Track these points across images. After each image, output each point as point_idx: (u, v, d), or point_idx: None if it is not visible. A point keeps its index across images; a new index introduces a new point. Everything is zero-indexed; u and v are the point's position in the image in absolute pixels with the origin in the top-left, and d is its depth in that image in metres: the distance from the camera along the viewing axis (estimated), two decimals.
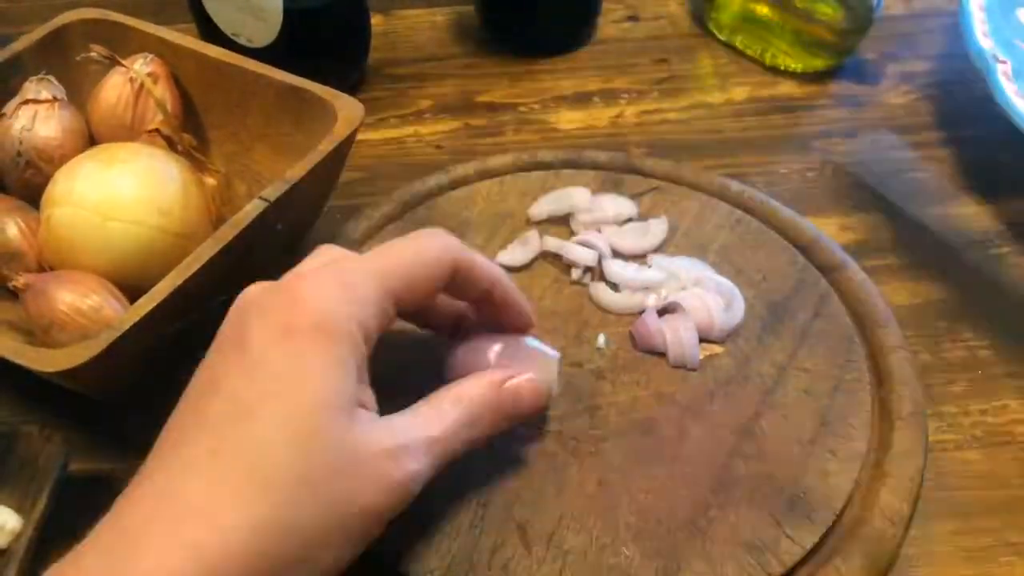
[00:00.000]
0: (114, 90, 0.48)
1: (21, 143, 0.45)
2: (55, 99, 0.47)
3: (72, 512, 0.40)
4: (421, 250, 0.33)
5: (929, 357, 0.46)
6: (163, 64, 0.49)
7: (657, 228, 0.48)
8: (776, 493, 0.38)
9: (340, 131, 0.44)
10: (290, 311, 0.30)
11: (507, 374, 0.35)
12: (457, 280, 0.34)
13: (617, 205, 0.49)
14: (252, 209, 0.41)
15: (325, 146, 0.43)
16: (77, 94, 0.49)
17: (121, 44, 0.49)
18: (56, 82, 0.47)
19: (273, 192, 0.41)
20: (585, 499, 0.38)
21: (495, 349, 0.37)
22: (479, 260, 0.35)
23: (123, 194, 0.42)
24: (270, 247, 0.45)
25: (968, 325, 0.48)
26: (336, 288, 0.30)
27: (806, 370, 0.42)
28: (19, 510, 0.38)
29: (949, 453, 0.42)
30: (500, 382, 0.35)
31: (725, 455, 0.39)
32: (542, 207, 0.50)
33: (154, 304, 0.37)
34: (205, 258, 0.39)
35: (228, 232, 0.40)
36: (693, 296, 0.44)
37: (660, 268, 0.46)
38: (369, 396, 0.31)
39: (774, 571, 0.35)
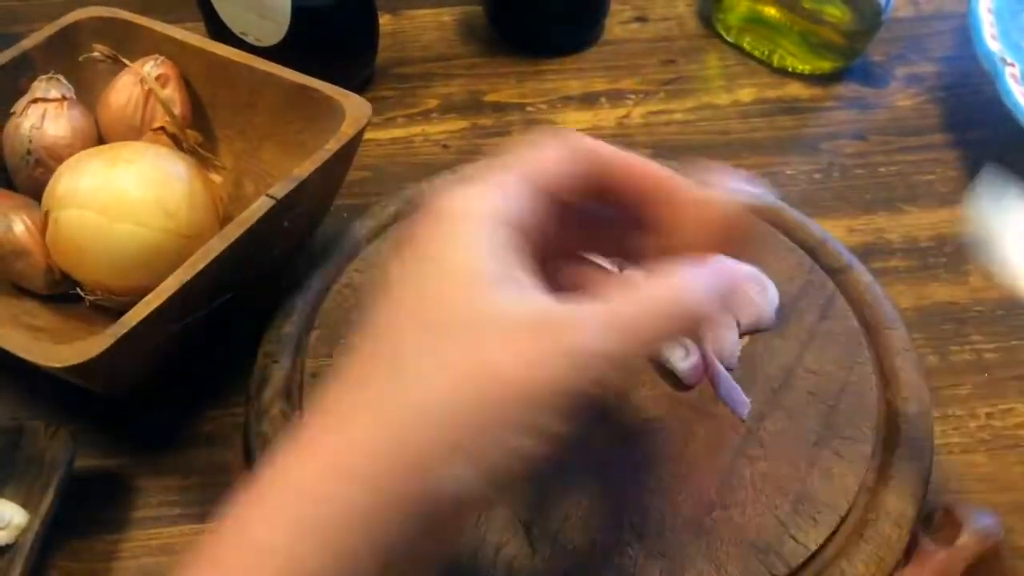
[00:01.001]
0: (124, 91, 0.48)
1: (31, 141, 0.45)
2: (64, 98, 0.47)
3: (78, 508, 0.40)
4: (550, 141, 0.29)
5: (936, 360, 0.46)
6: (173, 65, 0.49)
7: None
8: (781, 494, 0.38)
9: (348, 130, 0.44)
10: (422, 224, 0.27)
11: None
12: (599, 175, 0.29)
13: None
14: (259, 207, 0.41)
15: (333, 145, 0.44)
16: (87, 92, 0.49)
17: (130, 43, 0.50)
18: (65, 81, 0.47)
19: (280, 190, 0.41)
20: (590, 499, 0.38)
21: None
22: (624, 155, 0.29)
23: (129, 195, 0.41)
24: (278, 245, 0.45)
25: (975, 328, 0.47)
26: (465, 187, 0.27)
27: (812, 372, 0.42)
28: (25, 506, 0.38)
29: (955, 456, 0.42)
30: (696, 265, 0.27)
31: (730, 456, 0.39)
32: None
33: (161, 300, 0.37)
34: (212, 255, 0.39)
35: (235, 230, 0.40)
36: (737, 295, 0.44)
37: None
38: (535, 281, 0.27)
39: (779, 572, 0.35)
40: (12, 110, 0.46)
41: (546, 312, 0.25)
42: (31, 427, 0.40)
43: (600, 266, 0.32)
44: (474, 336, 0.24)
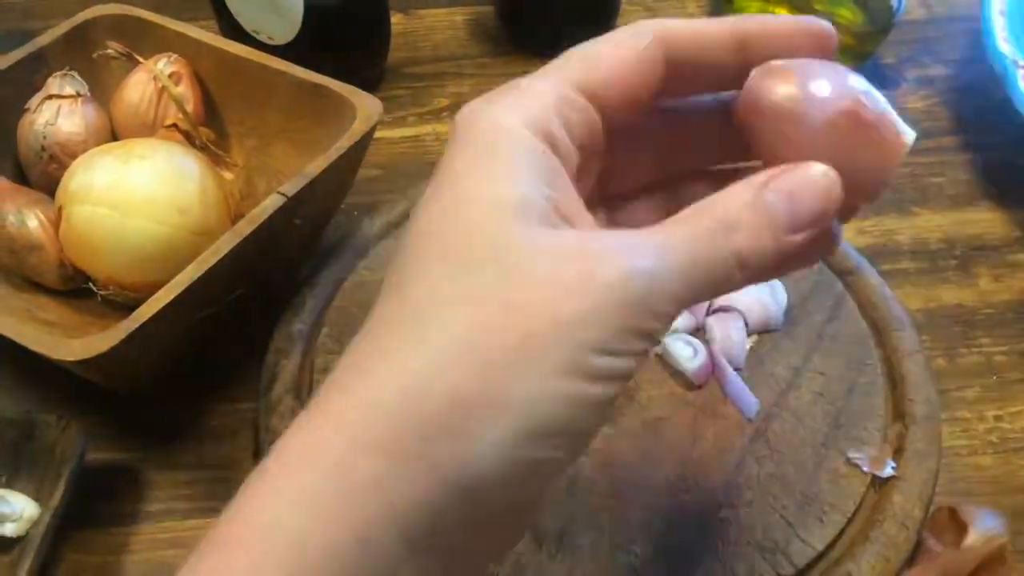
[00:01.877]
0: (137, 88, 0.48)
1: (45, 138, 0.46)
2: (78, 95, 0.47)
3: (89, 500, 0.40)
4: (608, 35, 0.25)
5: (944, 362, 0.46)
6: (186, 63, 0.49)
7: None
8: (788, 494, 0.38)
9: (359, 128, 0.44)
10: (449, 144, 0.24)
11: (772, 173, 0.23)
12: (683, 60, 0.25)
13: None
14: (270, 204, 0.41)
15: (344, 143, 0.44)
16: (101, 89, 0.50)
17: (144, 40, 0.50)
18: (79, 78, 0.48)
19: (291, 187, 0.42)
20: (597, 497, 0.38)
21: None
22: (710, 28, 0.25)
23: (142, 192, 0.42)
24: (289, 242, 0.45)
25: (984, 331, 0.47)
26: (493, 98, 0.24)
27: (820, 373, 0.42)
28: (37, 498, 0.38)
29: (963, 458, 0.42)
30: (762, 184, 0.23)
31: (738, 456, 0.39)
32: None
33: (172, 296, 0.38)
34: (223, 251, 0.39)
35: (246, 227, 0.40)
36: (745, 295, 0.44)
37: None
38: (576, 209, 0.24)
39: (785, 572, 0.35)
40: (26, 106, 0.47)
41: (581, 240, 0.22)
42: (43, 420, 0.40)
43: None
44: (502, 269, 0.21)
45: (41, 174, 0.46)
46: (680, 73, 0.25)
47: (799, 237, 0.23)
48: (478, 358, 0.20)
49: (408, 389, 0.20)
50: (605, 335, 0.21)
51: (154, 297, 0.38)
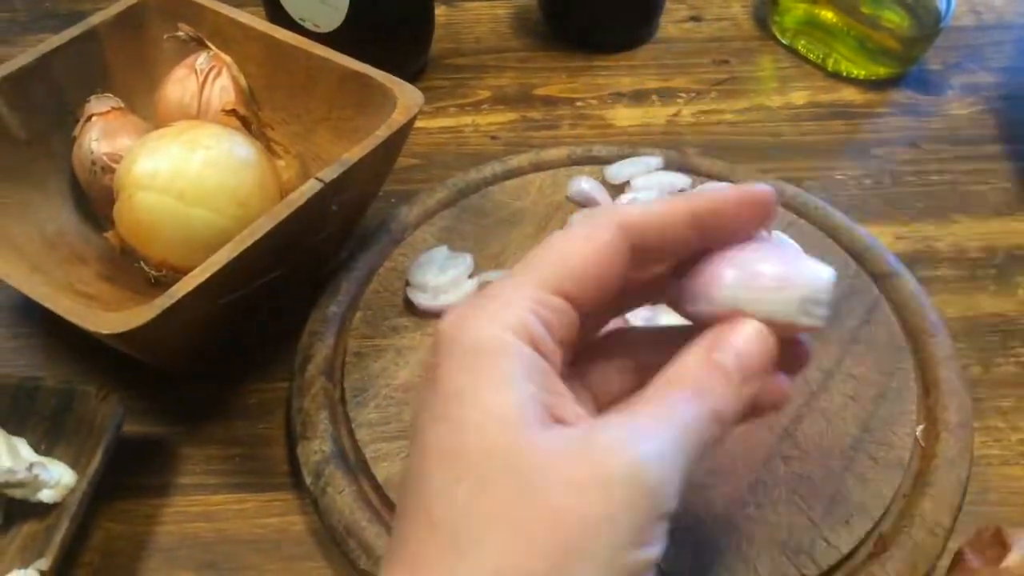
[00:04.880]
0: (179, 84, 0.49)
1: (93, 152, 0.47)
2: (114, 108, 0.48)
3: (124, 471, 0.41)
4: (568, 236, 0.27)
5: (979, 370, 0.45)
6: (223, 57, 0.50)
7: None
8: (815, 495, 0.38)
9: (399, 117, 0.45)
10: (440, 358, 0.25)
11: (715, 337, 0.26)
12: (646, 245, 0.27)
13: (674, 178, 0.52)
14: (308, 189, 0.42)
15: (383, 131, 0.44)
16: (150, 71, 0.51)
17: (193, 23, 0.51)
18: (114, 96, 0.49)
19: (329, 173, 0.42)
20: None
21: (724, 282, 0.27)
22: (665, 210, 0.27)
23: (206, 183, 0.42)
24: (326, 227, 0.46)
25: (1021, 341, 0.47)
26: (475, 307, 0.25)
27: (852, 376, 0.42)
28: (74, 466, 0.39)
29: (994, 468, 0.42)
30: (708, 348, 0.26)
31: (765, 455, 0.39)
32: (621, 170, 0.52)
33: (208, 275, 0.38)
34: (260, 233, 0.40)
35: (283, 210, 0.41)
36: None
37: None
38: (571, 408, 0.25)
39: (809, 573, 0.35)
40: (73, 135, 0.48)
41: (586, 436, 0.23)
42: (83, 391, 0.41)
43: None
44: (523, 483, 0.22)
45: (99, 189, 0.47)
46: (644, 254, 0.27)
47: (752, 387, 0.25)
48: None
49: None
50: (635, 530, 0.22)
51: (190, 275, 0.38)
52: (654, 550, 0.23)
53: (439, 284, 0.46)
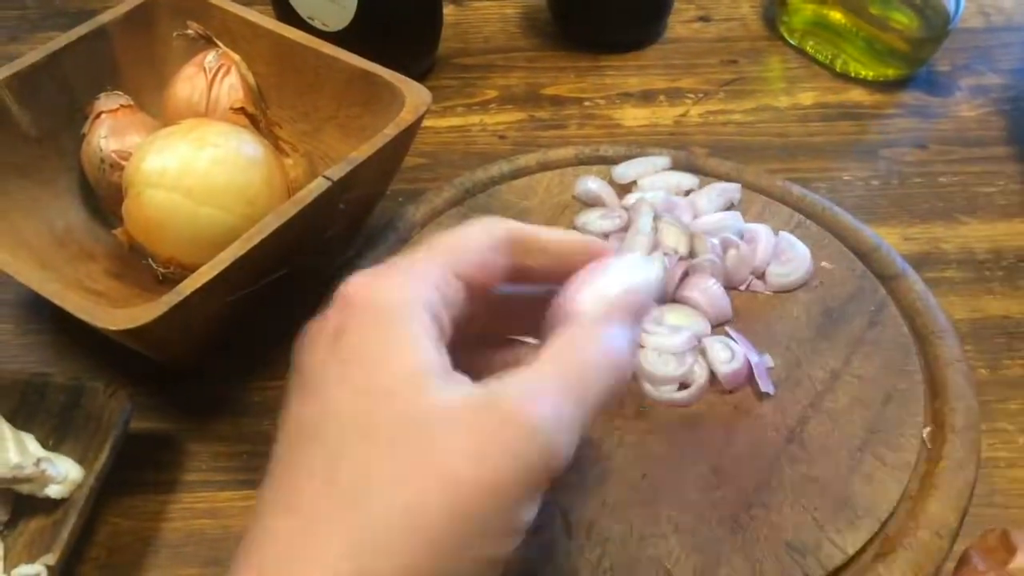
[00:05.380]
0: (188, 81, 0.49)
1: (102, 150, 0.47)
2: (123, 106, 0.48)
3: (131, 468, 0.41)
4: (470, 227, 0.29)
5: (986, 373, 0.45)
6: (231, 57, 0.50)
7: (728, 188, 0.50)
8: (821, 496, 0.37)
9: (407, 116, 0.45)
10: (341, 317, 0.26)
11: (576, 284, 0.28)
12: (522, 254, 0.30)
13: (681, 178, 0.52)
14: (315, 187, 0.42)
15: (391, 130, 0.44)
16: (160, 68, 0.51)
17: (202, 22, 0.51)
18: (123, 94, 0.49)
19: (337, 172, 0.42)
20: (628, 489, 0.38)
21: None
22: (541, 230, 0.30)
23: (215, 181, 0.42)
24: (333, 225, 0.46)
25: None
26: (382, 275, 0.27)
27: (859, 377, 0.42)
28: (82, 462, 0.39)
29: (1001, 470, 0.42)
30: (571, 298, 0.28)
31: (771, 455, 0.39)
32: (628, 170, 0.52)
33: (216, 272, 0.38)
34: (267, 231, 0.40)
35: (291, 208, 0.41)
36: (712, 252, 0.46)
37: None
38: (460, 376, 0.26)
39: (814, 573, 0.35)
40: (83, 132, 0.48)
41: (487, 402, 0.24)
42: (91, 387, 0.41)
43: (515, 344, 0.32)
44: (424, 438, 0.23)
45: (108, 186, 0.47)
46: (519, 267, 0.29)
47: (629, 319, 0.27)
48: (422, 538, 0.22)
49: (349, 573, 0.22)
50: (527, 492, 0.24)
51: (197, 272, 0.38)
52: (536, 508, 0.24)
53: None
